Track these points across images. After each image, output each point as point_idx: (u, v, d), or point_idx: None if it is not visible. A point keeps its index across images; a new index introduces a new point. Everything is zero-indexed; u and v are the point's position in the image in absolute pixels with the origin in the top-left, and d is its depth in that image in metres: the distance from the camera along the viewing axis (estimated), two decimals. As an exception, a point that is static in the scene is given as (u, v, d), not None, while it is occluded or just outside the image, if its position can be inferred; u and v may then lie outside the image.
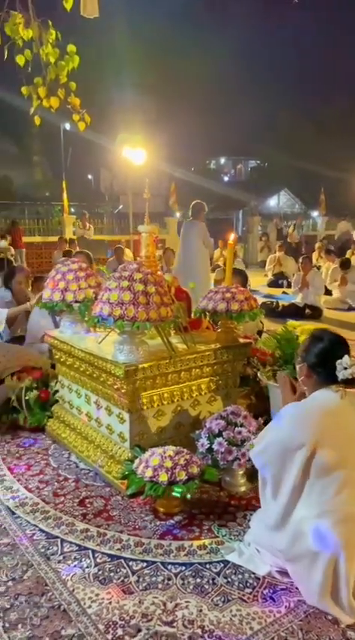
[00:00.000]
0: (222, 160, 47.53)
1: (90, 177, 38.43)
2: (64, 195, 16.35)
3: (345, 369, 2.21)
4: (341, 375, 2.22)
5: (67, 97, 4.87)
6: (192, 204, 7.55)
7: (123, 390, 2.89)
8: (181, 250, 7.59)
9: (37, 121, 5.08)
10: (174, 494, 2.58)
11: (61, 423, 3.65)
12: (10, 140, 34.58)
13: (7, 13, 4.49)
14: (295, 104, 38.31)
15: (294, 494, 2.18)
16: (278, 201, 36.60)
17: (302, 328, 3.38)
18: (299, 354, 2.47)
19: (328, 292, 10.04)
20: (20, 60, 4.59)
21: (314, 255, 14.06)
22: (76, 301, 3.42)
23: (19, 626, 2.00)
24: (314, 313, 8.54)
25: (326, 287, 9.87)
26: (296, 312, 8.44)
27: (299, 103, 38.28)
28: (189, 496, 2.59)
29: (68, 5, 4.47)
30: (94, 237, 15.97)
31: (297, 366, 2.49)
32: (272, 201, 36.07)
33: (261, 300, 6.51)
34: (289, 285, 11.34)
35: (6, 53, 4.53)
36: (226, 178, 44.70)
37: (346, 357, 2.23)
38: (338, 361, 2.23)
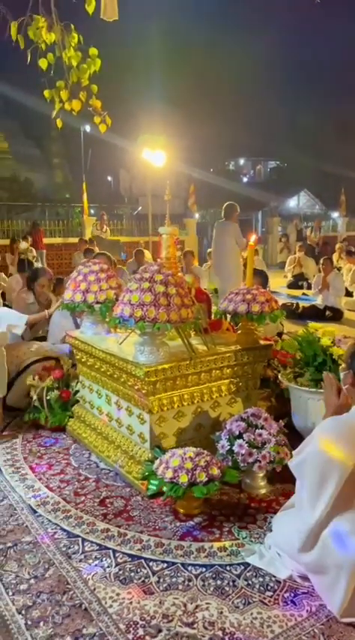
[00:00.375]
0: (242, 161, 47.41)
1: (109, 178, 38.66)
2: (84, 196, 16.47)
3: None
4: None
5: (88, 100, 4.90)
6: (225, 205, 7.78)
7: (143, 391, 2.90)
8: (214, 250, 7.90)
9: (58, 123, 5.12)
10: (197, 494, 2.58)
11: (82, 423, 3.68)
12: (32, 143, 35.03)
13: (30, 17, 4.54)
14: (314, 104, 38.07)
15: (331, 510, 2.08)
16: (298, 202, 36.34)
17: (324, 330, 3.35)
18: (345, 361, 2.39)
19: (349, 294, 9.94)
20: (43, 63, 4.64)
21: (335, 257, 13.92)
22: (97, 302, 3.45)
23: (41, 623, 2.02)
24: (335, 315, 8.46)
25: (346, 288, 9.76)
26: (316, 313, 8.37)
27: (318, 103, 38.03)
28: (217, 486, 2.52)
29: (90, 9, 4.51)
30: (110, 237, 16.03)
31: (342, 374, 2.40)
32: (292, 202, 35.82)
33: (280, 301, 6.50)
34: (309, 287, 11.25)
35: (29, 57, 4.58)
36: (245, 179, 44.56)
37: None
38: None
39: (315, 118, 37.50)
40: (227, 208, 7.69)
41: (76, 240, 14.88)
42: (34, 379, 3.90)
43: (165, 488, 2.63)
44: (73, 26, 4.69)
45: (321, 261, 9.43)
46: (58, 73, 4.78)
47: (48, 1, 4.52)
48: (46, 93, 4.85)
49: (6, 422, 3.99)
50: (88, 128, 23.87)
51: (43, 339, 4.87)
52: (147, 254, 12.17)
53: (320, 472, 2.10)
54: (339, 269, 11.43)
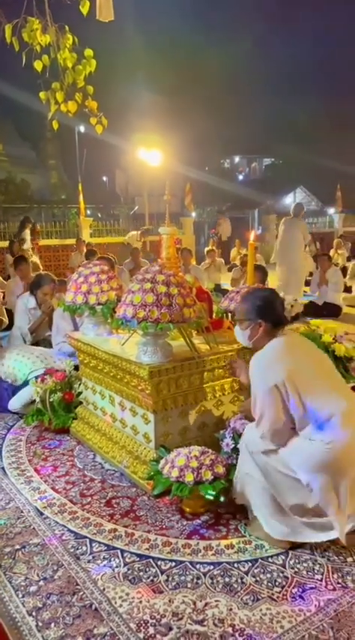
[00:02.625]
0: (237, 159, 47.36)
1: (105, 179, 38.61)
2: (81, 197, 16.44)
3: (292, 306, 2.38)
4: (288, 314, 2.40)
5: (84, 101, 4.90)
6: (294, 205, 9.34)
7: (147, 391, 2.91)
8: (282, 243, 8.88)
9: (54, 125, 5.12)
10: (207, 496, 2.59)
11: (86, 424, 3.69)
12: (27, 145, 34.95)
13: (24, 19, 4.54)
14: (309, 101, 38.08)
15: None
16: (294, 199, 36.34)
17: (326, 327, 3.36)
18: (243, 318, 2.67)
19: (347, 289, 9.96)
20: (38, 65, 4.64)
21: (332, 252, 13.93)
22: (99, 303, 3.46)
23: (52, 624, 2.04)
24: (334, 311, 8.47)
25: (345, 284, 9.78)
26: (315, 310, 8.39)
27: (313, 100, 38.03)
28: (222, 499, 2.60)
29: (85, 10, 4.50)
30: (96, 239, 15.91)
31: (241, 331, 2.69)
32: (288, 199, 35.80)
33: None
34: (307, 284, 11.27)
35: (24, 59, 4.58)
36: (241, 177, 44.52)
37: (288, 296, 2.41)
38: (285, 301, 2.43)
39: (310, 114, 37.51)
40: (296, 207, 9.06)
41: (72, 241, 14.84)
42: (36, 381, 3.91)
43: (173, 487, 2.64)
44: (67, 27, 4.69)
45: (319, 257, 9.44)
46: (53, 75, 4.78)
47: (42, 3, 4.52)
48: (42, 94, 4.85)
49: (9, 424, 4.01)
50: (82, 129, 23.88)
51: (45, 341, 4.88)
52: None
53: (273, 406, 2.40)
54: (337, 264, 11.45)
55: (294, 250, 8.67)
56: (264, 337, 2.59)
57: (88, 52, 4.69)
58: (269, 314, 2.58)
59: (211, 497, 2.59)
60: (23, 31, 4.53)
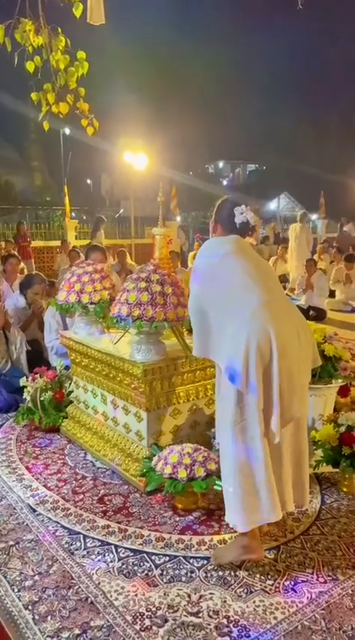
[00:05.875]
0: (221, 164, 47.70)
1: (89, 181, 38.55)
2: (66, 199, 16.40)
3: (241, 213, 2.44)
4: (238, 219, 2.43)
5: (75, 103, 4.93)
6: (300, 213, 12.11)
7: (140, 389, 2.95)
8: (292, 247, 11.55)
9: (45, 126, 5.12)
10: (216, 487, 2.60)
11: (76, 423, 3.70)
12: (11, 146, 34.76)
13: (17, 20, 4.56)
14: (293, 108, 38.55)
15: None
16: (278, 205, 36.71)
17: (315, 328, 3.43)
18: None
19: (331, 294, 10.10)
20: (30, 66, 4.65)
21: (315, 257, 14.10)
22: (92, 303, 3.48)
23: (49, 617, 2.05)
24: (319, 315, 8.59)
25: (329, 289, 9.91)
26: (300, 314, 8.48)
27: (297, 107, 38.52)
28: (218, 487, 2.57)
29: (77, 13, 4.54)
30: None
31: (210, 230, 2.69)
32: (272, 205, 36.18)
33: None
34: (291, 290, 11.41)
35: (16, 60, 4.59)
36: (225, 182, 44.84)
37: (243, 206, 2.46)
38: (236, 208, 2.45)
39: (294, 121, 37.97)
40: (302, 216, 11.77)
41: (57, 243, 14.78)
42: (26, 380, 3.92)
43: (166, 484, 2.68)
44: (59, 29, 4.72)
45: (305, 262, 9.57)
46: (45, 76, 4.80)
47: (35, 5, 4.54)
48: (34, 95, 4.85)
49: (-1, 424, 4.00)
50: (67, 131, 23.83)
51: (35, 341, 4.88)
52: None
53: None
54: (321, 269, 11.60)
55: (302, 251, 10.97)
56: None
57: (81, 54, 4.71)
58: None
59: (204, 490, 2.62)
60: (16, 31, 4.55)
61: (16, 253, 8.73)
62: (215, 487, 2.64)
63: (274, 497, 2.17)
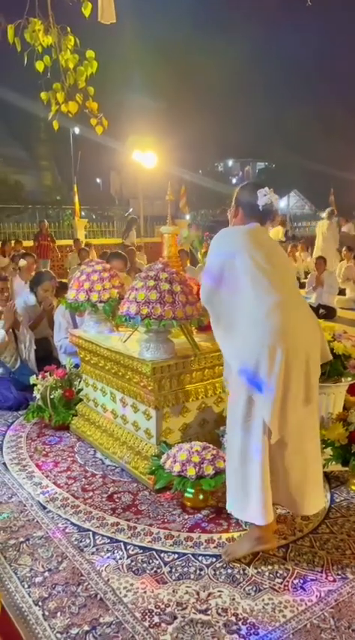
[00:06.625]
0: (230, 162, 47.60)
1: (98, 180, 38.64)
2: (76, 198, 16.45)
3: (265, 195, 2.39)
4: (261, 201, 2.39)
5: (85, 102, 4.94)
6: (328, 210, 12.28)
7: (149, 388, 2.95)
8: (319, 243, 11.62)
9: (55, 125, 5.14)
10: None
11: (86, 421, 3.72)
12: (21, 146, 34.94)
13: (26, 20, 4.57)
14: (302, 105, 38.37)
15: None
16: (288, 203, 36.57)
17: (324, 326, 3.41)
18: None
19: (341, 292, 10.06)
20: (39, 66, 4.67)
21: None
22: (101, 301, 3.49)
23: (59, 614, 2.07)
24: (329, 313, 8.56)
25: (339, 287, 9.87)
26: (310, 312, 8.45)
27: (306, 104, 38.33)
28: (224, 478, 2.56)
29: (86, 12, 4.55)
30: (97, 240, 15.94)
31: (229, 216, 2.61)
32: (282, 203, 36.03)
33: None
34: (302, 287, 11.37)
35: (26, 60, 4.61)
36: (234, 180, 44.75)
37: (266, 188, 2.42)
38: (259, 190, 2.41)
39: (303, 118, 37.83)
40: (329, 213, 11.95)
41: (68, 242, 14.85)
42: (36, 378, 3.94)
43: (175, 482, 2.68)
44: (69, 29, 4.73)
45: (315, 259, 9.53)
46: (54, 76, 4.82)
47: (44, 4, 4.56)
48: (43, 95, 4.87)
49: (9, 422, 4.03)
50: (76, 130, 23.89)
51: (45, 340, 4.91)
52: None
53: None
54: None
55: (331, 248, 11.21)
56: None
57: (90, 53, 4.72)
58: None
59: (212, 488, 2.63)
60: (25, 31, 4.57)
61: (31, 253, 8.81)
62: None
63: (265, 501, 2.19)
